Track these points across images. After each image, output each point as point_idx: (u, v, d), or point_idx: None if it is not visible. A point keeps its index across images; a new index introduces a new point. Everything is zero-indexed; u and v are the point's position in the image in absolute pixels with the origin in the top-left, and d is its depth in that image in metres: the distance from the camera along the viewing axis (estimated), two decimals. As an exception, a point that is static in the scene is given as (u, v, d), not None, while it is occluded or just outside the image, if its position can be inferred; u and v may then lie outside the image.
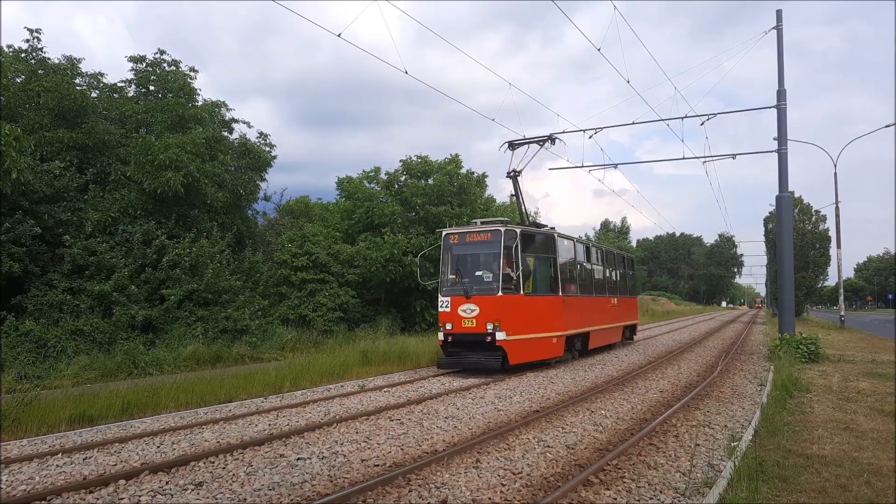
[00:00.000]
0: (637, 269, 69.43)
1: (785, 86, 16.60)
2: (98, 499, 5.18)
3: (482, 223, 13.90)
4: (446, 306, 12.83)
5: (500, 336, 12.23)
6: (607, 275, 18.70)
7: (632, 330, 21.56)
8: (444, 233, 13.78)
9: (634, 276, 24.42)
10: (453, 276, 13.21)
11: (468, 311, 12.53)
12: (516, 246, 12.44)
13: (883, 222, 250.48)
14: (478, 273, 13.07)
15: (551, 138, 15.02)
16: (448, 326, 12.76)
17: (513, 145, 15.10)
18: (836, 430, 7.28)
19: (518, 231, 12.74)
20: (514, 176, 14.86)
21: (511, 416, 8.44)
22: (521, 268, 12.49)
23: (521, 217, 15.73)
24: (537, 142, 15.04)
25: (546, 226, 14.96)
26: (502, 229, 12.77)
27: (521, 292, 12.60)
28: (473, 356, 12.66)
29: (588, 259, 16.75)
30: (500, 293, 12.39)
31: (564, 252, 14.88)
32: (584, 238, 16.94)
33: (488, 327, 12.30)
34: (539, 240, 13.90)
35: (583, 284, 16.08)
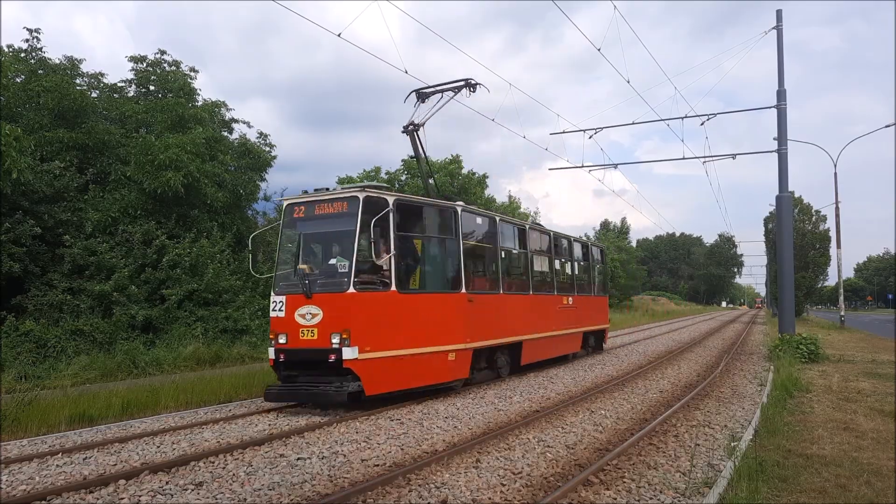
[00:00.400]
0: (638, 269, 69.75)
1: (785, 86, 16.60)
2: (98, 499, 5.18)
3: (343, 189, 10.00)
4: (279, 309, 9.04)
5: (348, 354, 8.39)
6: (557, 267, 14.85)
7: (598, 337, 17.70)
8: (284, 203, 9.92)
9: (605, 270, 19.88)
10: (301, 267, 9.37)
11: (308, 316, 8.75)
12: (385, 220, 8.84)
13: (883, 222, 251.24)
14: (331, 261, 9.15)
15: (469, 84, 11.63)
16: (281, 340, 8.95)
17: (421, 94, 11.84)
18: (836, 430, 7.28)
19: (390, 200, 9.04)
20: (411, 131, 11.56)
21: (511, 416, 8.44)
22: (393, 252, 8.91)
23: (424, 184, 11.93)
24: (451, 88, 11.74)
25: (460, 200, 11.37)
26: (360, 196, 8.91)
27: (393, 288, 8.93)
28: (319, 384, 8.74)
29: (523, 246, 12.94)
30: (351, 289, 8.57)
31: (478, 234, 11.31)
32: (525, 220, 13.87)
33: (333, 340, 8.50)
34: (430, 214, 10.05)
35: (513, 279, 12.57)
